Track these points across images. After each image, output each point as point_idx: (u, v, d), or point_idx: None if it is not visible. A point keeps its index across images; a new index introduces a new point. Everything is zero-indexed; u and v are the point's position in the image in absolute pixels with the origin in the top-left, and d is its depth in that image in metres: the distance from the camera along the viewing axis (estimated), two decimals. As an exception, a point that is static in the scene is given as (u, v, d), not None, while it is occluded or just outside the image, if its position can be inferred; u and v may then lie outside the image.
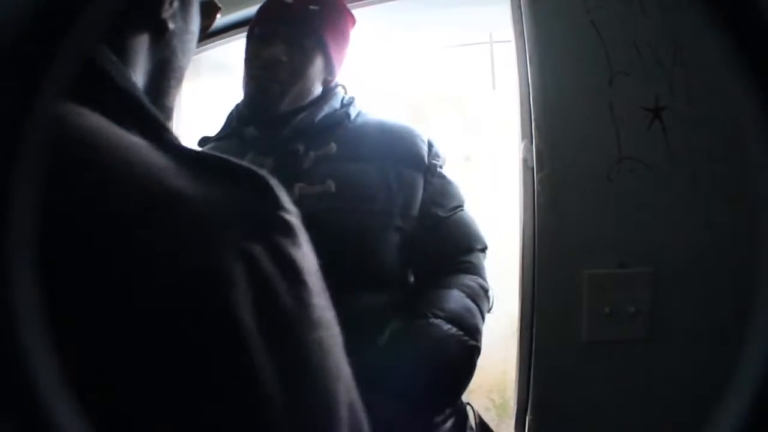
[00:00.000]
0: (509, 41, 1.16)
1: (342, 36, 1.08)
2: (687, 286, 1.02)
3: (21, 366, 0.33)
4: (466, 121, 2.51)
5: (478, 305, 1.00)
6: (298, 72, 1.01)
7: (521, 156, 1.10)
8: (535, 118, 1.06)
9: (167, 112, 0.48)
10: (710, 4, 0.30)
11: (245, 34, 1.06)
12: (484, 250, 1.09)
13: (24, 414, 0.32)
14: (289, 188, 0.85)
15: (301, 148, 0.99)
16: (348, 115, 1.04)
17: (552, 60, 1.06)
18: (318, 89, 1.05)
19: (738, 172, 0.97)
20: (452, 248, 1.04)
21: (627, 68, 1.02)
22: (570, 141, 1.05)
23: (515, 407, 1.11)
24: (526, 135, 1.09)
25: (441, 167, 1.07)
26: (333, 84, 1.10)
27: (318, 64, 1.04)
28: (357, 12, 1.14)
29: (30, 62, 0.24)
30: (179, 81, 0.48)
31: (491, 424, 1.09)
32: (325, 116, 1.03)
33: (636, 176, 1.03)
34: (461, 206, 1.08)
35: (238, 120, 1.07)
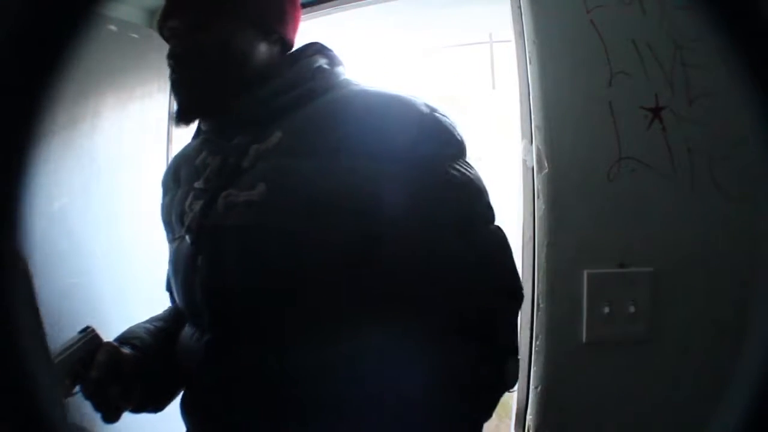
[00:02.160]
0: (509, 41, 1.16)
1: None
2: (687, 286, 1.02)
3: (18, 368, 0.33)
4: (466, 121, 2.51)
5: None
6: (207, 60, 0.76)
7: (521, 156, 1.10)
8: (535, 118, 1.06)
9: None
10: (710, 5, 0.30)
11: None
12: (515, 296, 0.74)
13: (21, 415, 0.32)
14: (215, 197, 0.73)
15: (242, 141, 0.75)
16: (312, 90, 0.76)
17: (552, 60, 1.06)
18: (264, 56, 0.79)
19: (738, 172, 0.97)
20: (454, 290, 0.68)
21: (627, 68, 1.02)
22: (570, 141, 1.05)
23: (515, 407, 1.11)
24: (526, 135, 1.09)
25: (450, 160, 0.71)
26: (289, 46, 0.82)
27: (236, 33, 0.77)
28: (357, 12, 1.10)
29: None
30: None
31: (491, 424, 1.08)
32: (274, 94, 0.76)
33: (636, 176, 1.02)
34: (481, 221, 0.72)
35: None
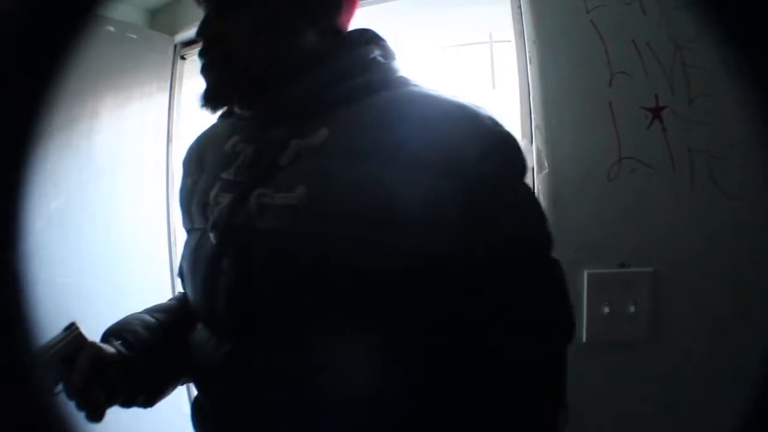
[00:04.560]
0: (509, 41, 1.16)
1: None
2: (687, 286, 1.02)
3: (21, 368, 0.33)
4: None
5: None
6: (241, 41, 0.67)
7: (521, 156, 1.10)
8: (535, 118, 1.06)
9: None
10: (710, 5, 0.30)
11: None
12: (565, 332, 0.66)
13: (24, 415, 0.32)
14: (247, 197, 0.65)
15: (281, 134, 0.67)
16: (367, 84, 0.67)
17: (552, 60, 1.06)
18: (311, 42, 0.70)
19: (738, 172, 0.97)
20: (509, 323, 0.61)
21: (627, 68, 1.02)
22: (570, 141, 1.05)
23: (515, 407, 1.11)
24: (526, 135, 1.09)
25: (514, 180, 0.65)
26: (340, 31, 0.73)
27: (277, 13, 0.68)
28: (357, 12, 1.10)
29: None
30: None
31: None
32: (322, 85, 0.67)
33: (636, 176, 1.02)
34: (544, 250, 0.66)
35: None
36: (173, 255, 1.81)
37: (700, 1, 0.31)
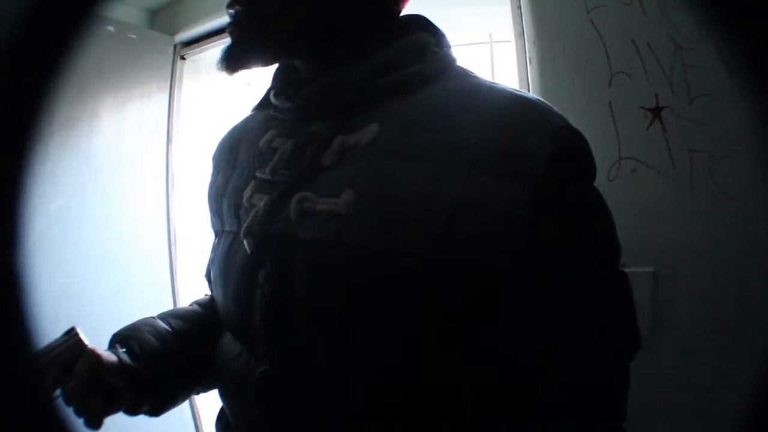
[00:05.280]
0: (509, 41, 1.16)
1: None
2: (687, 286, 1.02)
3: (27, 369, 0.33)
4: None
5: None
6: (282, 10, 0.59)
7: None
8: (534, 118, 1.06)
9: None
10: (710, 5, 0.30)
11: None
12: (629, 349, 0.63)
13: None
14: (285, 201, 0.59)
15: (323, 129, 0.60)
16: (422, 74, 0.60)
17: (552, 60, 1.06)
18: (358, 24, 0.62)
19: (738, 172, 0.97)
20: (564, 340, 0.56)
21: (627, 68, 1.02)
22: (570, 141, 1.05)
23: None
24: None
25: (588, 185, 0.59)
26: (392, 14, 0.66)
27: None
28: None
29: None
30: None
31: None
32: (371, 73, 0.60)
33: (636, 176, 1.02)
34: (617, 263, 0.61)
35: (273, 81, 0.70)
36: (173, 255, 1.82)
37: (700, 1, 0.31)
